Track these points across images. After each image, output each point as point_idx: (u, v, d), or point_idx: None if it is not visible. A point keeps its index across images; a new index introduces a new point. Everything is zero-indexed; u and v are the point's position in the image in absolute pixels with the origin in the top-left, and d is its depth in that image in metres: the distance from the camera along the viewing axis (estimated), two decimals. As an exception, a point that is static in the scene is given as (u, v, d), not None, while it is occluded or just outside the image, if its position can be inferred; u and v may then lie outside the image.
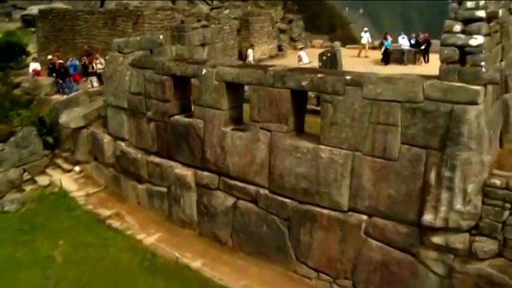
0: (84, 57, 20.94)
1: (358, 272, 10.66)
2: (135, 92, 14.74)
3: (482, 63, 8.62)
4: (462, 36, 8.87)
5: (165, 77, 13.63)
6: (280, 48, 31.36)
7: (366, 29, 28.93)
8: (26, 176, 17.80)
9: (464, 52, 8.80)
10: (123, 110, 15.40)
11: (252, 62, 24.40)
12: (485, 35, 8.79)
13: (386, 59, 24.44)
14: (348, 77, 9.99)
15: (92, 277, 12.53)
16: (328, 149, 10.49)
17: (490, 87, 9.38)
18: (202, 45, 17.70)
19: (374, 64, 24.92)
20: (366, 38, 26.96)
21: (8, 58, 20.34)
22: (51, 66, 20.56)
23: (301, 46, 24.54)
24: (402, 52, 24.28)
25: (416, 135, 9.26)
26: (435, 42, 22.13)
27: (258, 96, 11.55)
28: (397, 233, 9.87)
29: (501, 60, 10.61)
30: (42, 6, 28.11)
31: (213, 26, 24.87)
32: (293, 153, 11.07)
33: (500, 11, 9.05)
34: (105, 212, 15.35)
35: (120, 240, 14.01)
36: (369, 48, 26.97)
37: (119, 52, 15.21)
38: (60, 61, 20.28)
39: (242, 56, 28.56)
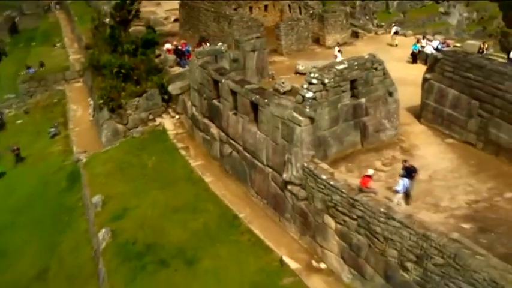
0: (195, 44, 32.70)
1: (268, 197, 20.86)
2: (200, 82, 25.95)
3: (307, 107, 17.76)
4: (305, 90, 18.03)
5: (210, 78, 24.56)
6: (356, 35, 39.07)
7: (393, 24, 36.26)
8: (150, 117, 30.90)
9: (303, 99, 17.99)
10: (195, 90, 26.85)
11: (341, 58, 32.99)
12: (314, 92, 17.82)
13: (414, 59, 31.26)
14: (265, 100, 19.76)
15: (160, 178, 24.86)
16: (259, 133, 20.55)
17: (341, 112, 18.52)
18: (253, 51, 27.78)
19: (406, 62, 31.99)
20: (393, 31, 34.43)
21: (147, 47, 33.08)
22: (175, 48, 32.91)
23: (339, 49, 32.16)
24: (426, 55, 30.79)
25: (284, 134, 18.80)
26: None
27: (240, 99, 21.88)
28: (279, 180, 19.75)
29: (355, 97, 19.21)
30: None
31: (289, 22, 34.44)
32: (248, 132, 21.37)
33: (327, 79, 17.84)
34: (180, 145, 27.54)
35: (181, 161, 26.05)
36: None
37: (196, 57, 26.44)
38: (179, 46, 32.37)
39: (319, 42, 37.43)
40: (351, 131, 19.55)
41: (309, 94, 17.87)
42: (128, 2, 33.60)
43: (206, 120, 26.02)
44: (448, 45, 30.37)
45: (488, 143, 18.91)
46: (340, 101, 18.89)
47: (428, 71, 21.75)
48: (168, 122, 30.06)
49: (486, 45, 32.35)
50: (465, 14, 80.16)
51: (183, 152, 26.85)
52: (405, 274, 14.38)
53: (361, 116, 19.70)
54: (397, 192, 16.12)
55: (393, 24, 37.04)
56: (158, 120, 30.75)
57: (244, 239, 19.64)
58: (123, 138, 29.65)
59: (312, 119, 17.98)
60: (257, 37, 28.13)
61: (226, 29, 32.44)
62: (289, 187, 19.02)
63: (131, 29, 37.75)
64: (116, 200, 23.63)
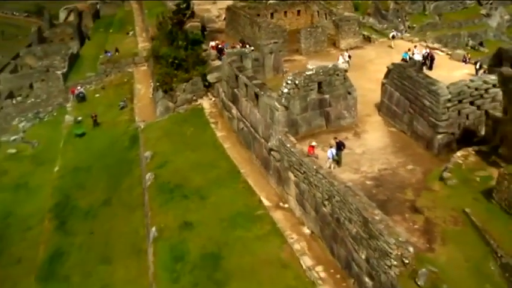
0: (233, 43, 41.81)
1: (262, 160, 29.82)
2: (228, 75, 35.11)
3: (283, 99, 26.47)
4: (283, 87, 26.74)
5: (233, 73, 33.68)
6: (370, 39, 46.52)
7: (393, 30, 43.39)
8: (193, 98, 40.59)
9: (282, 93, 26.71)
10: (225, 80, 36.07)
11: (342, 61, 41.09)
12: (289, 89, 26.50)
13: (404, 64, 38.59)
14: (262, 92, 28.60)
15: (193, 143, 34.45)
16: (258, 114, 29.47)
17: (309, 103, 27.15)
18: (271, 53, 36.54)
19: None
20: (392, 35, 41.90)
21: (194, 44, 42.50)
22: (216, 46, 42.31)
23: (348, 54, 39.94)
24: (414, 62, 37.98)
25: (270, 116, 27.57)
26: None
27: (249, 90, 30.85)
28: (267, 148, 28.63)
29: (321, 94, 27.67)
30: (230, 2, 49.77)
31: (308, 29, 42.70)
32: (252, 113, 30.36)
33: (298, 81, 26.41)
34: (212, 120, 37.00)
35: (210, 132, 35.48)
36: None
37: (226, 56, 35.59)
38: (220, 45, 41.73)
39: (335, 45, 45.37)
40: (317, 117, 28.08)
41: (285, 90, 26.60)
42: (182, 7, 43.21)
43: (230, 103, 35.26)
44: (431, 55, 37.37)
45: (413, 132, 26.76)
46: (309, 96, 27.45)
47: (384, 77, 29.61)
48: (206, 103, 39.59)
49: (469, 55, 39.17)
50: (506, 17, 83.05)
51: (213, 126, 36.26)
52: (324, 209, 22.96)
53: (325, 107, 28.13)
54: (328, 158, 24.63)
55: (392, 30, 44.37)
56: (199, 101, 40.34)
57: (240, 186, 28.80)
58: (171, 113, 39.55)
59: (286, 107, 26.69)
60: (274, 42, 36.78)
61: (257, 33, 41.30)
62: (272, 152, 27.90)
63: (188, 25, 47.47)
64: (160, 156, 33.57)
